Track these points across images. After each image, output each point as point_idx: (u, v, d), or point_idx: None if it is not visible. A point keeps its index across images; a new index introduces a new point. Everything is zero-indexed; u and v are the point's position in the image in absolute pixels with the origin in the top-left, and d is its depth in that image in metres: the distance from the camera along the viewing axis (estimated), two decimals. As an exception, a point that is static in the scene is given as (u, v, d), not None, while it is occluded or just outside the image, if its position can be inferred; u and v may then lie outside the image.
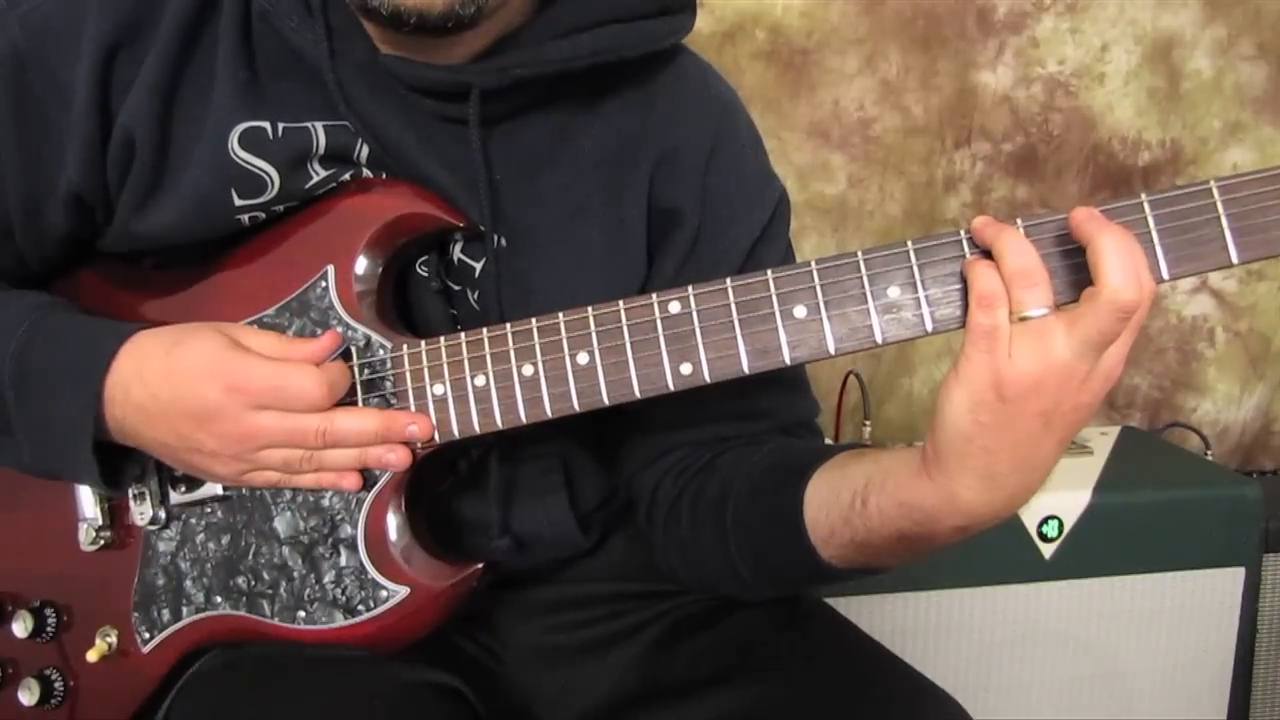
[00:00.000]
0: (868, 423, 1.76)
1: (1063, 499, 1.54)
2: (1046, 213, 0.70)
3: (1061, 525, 1.53)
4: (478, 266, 0.88)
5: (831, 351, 0.74)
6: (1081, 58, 1.88)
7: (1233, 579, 1.59)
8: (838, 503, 0.79)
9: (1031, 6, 1.85)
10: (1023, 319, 0.67)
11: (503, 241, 0.88)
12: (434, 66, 0.84)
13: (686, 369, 0.77)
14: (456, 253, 0.89)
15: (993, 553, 1.53)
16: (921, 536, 0.75)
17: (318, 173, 0.87)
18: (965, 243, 0.71)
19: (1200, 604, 1.58)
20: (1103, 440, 1.75)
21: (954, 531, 0.74)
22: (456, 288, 0.90)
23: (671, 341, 0.77)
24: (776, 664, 0.90)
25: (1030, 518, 1.53)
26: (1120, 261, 0.65)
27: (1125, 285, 0.65)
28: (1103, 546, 1.54)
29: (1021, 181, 1.91)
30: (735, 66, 1.79)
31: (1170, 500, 1.57)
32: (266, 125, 0.85)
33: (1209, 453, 1.92)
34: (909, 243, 0.72)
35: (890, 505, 0.75)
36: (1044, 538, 1.53)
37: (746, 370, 0.76)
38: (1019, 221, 0.70)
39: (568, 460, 0.96)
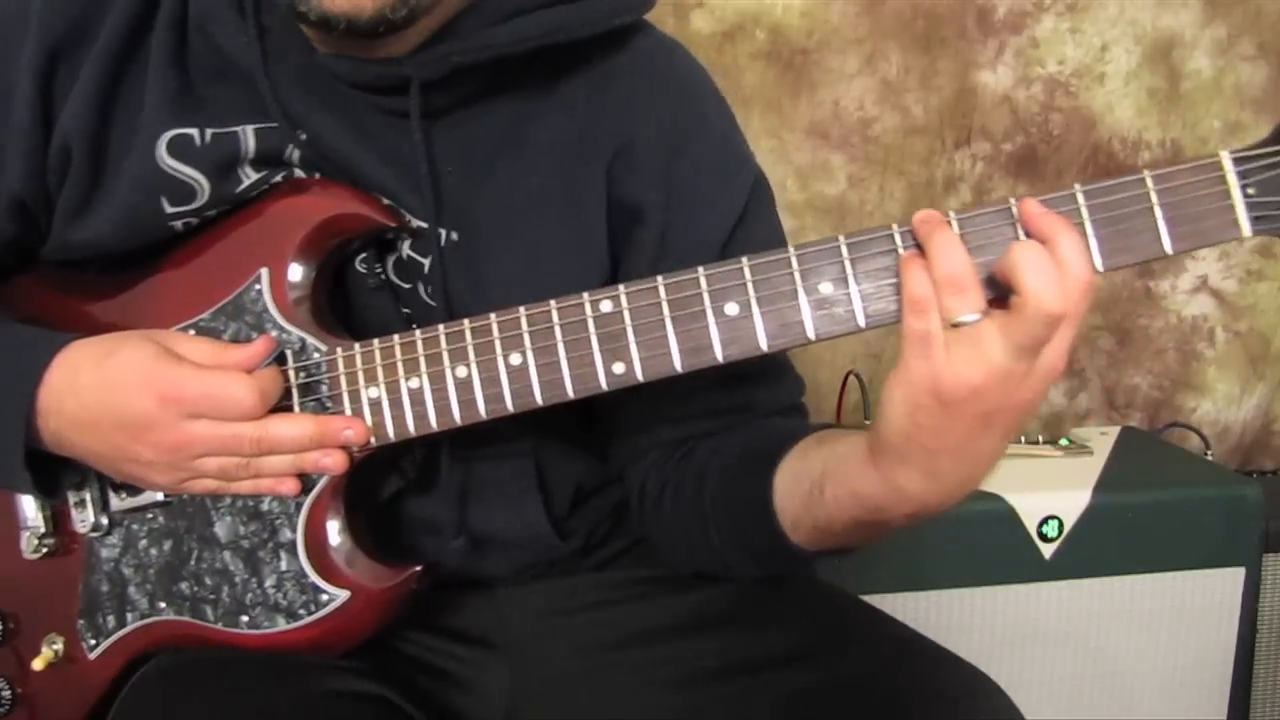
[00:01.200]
0: (868, 422, 1.75)
1: (1063, 499, 1.54)
2: (981, 205, 0.70)
3: (1061, 525, 1.53)
4: (427, 263, 0.87)
5: (764, 348, 0.73)
6: (1081, 58, 1.88)
7: (1233, 579, 1.58)
8: (799, 491, 0.80)
9: (1031, 6, 1.85)
10: (955, 325, 0.66)
11: (454, 236, 0.87)
12: (371, 61, 0.83)
13: (619, 368, 0.76)
14: (405, 250, 0.88)
15: (993, 553, 1.53)
16: (876, 523, 0.76)
17: (249, 175, 0.86)
18: (898, 236, 0.71)
19: (1200, 604, 1.58)
20: (1103, 440, 1.75)
21: (905, 518, 0.74)
22: (406, 286, 0.89)
23: (604, 341, 0.76)
24: (815, 649, 0.89)
25: (1030, 518, 1.53)
26: (1034, 269, 0.64)
27: (1044, 291, 0.64)
28: (1103, 546, 1.54)
29: (1022, 181, 1.91)
30: (735, 66, 1.79)
31: (1170, 500, 1.57)
32: (194, 132, 0.84)
33: (1209, 453, 1.92)
34: (840, 237, 0.72)
35: (844, 495, 0.76)
36: (1044, 538, 1.53)
37: (679, 369, 0.75)
38: (951, 215, 0.69)
39: (541, 459, 0.94)
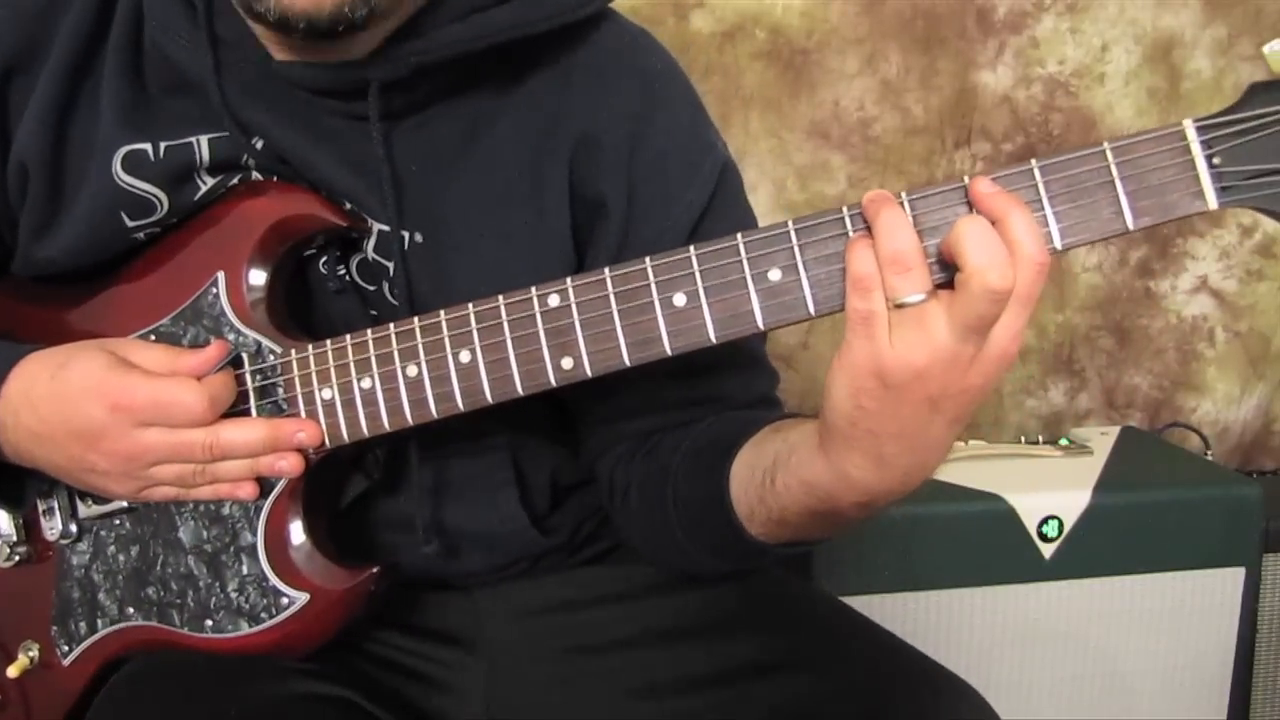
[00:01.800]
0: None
1: (1063, 499, 1.54)
2: (935, 184, 0.67)
3: (1061, 525, 1.53)
4: (391, 265, 0.87)
5: (713, 339, 0.72)
6: (1081, 58, 1.88)
7: (1233, 579, 1.59)
8: (753, 481, 0.79)
9: (1031, 6, 1.85)
10: (900, 305, 0.65)
11: (418, 238, 0.87)
12: (329, 66, 0.83)
13: (568, 363, 0.75)
14: (370, 252, 0.87)
15: (993, 553, 1.53)
16: (828, 513, 0.75)
17: (206, 182, 0.86)
18: (848, 220, 0.68)
19: (1200, 604, 1.58)
20: (1103, 440, 1.75)
21: (856, 508, 0.73)
22: (371, 288, 0.88)
23: (551, 336, 0.75)
24: (796, 658, 0.89)
25: (1030, 518, 1.53)
26: (977, 244, 0.63)
27: (989, 267, 0.62)
28: (1103, 546, 1.54)
29: (1021, 181, 1.90)
30: (735, 66, 1.79)
31: (1170, 500, 1.57)
32: (148, 147, 0.84)
33: (1209, 453, 1.92)
34: (789, 222, 0.70)
35: (794, 483, 0.75)
36: (1044, 538, 1.53)
37: (627, 362, 0.74)
38: (903, 195, 0.67)
39: (518, 455, 0.94)
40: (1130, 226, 0.66)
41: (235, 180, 0.87)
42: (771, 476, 0.77)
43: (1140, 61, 1.90)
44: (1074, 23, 1.87)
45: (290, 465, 0.81)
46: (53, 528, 0.90)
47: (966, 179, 0.66)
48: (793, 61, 1.81)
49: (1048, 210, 0.66)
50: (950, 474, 1.59)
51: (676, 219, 0.89)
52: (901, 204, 0.67)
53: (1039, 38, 1.86)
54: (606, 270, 0.74)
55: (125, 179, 0.84)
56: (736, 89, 1.80)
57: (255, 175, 0.87)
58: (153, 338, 0.86)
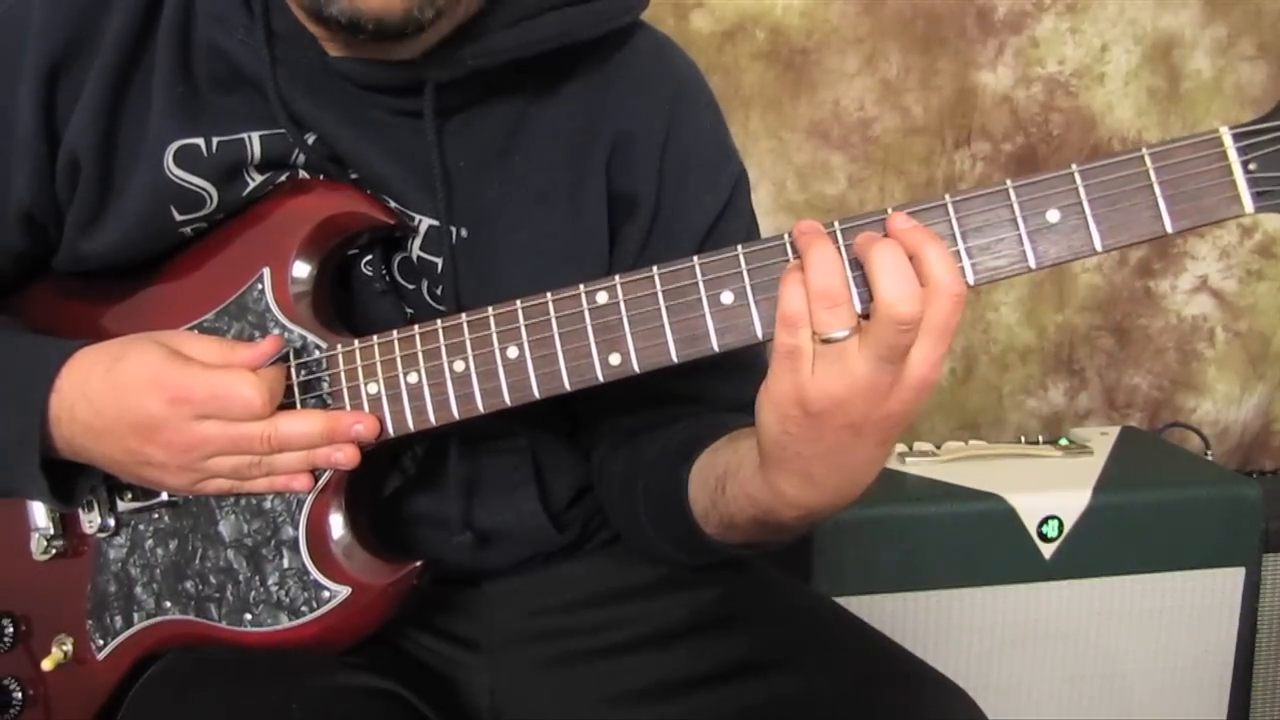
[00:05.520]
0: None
1: (1063, 499, 1.54)
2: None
3: (1061, 525, 1.53)
4: (439, 262, 0.87)
5: (759, 336, 0.73)
6: (1081, 58, 1.88)
7: (1233, 579, 1.59)
8: (707, 487, 0.82)
9: (1031, 6, 1.86)
10: (826, 341, 0.66)
11: (464, 233, 0.88)
12: (387, 64, 0.84)
13: (615, 359, 0.76)
14: (415, 250, 0.88)
15: (993, 553, 1.53)
16: (772, 524, 0.78)
17: (254, 179, 0.87)
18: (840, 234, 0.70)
19: (1200, 604, 1.58)
20: (1103, 440, 1.75)
21: (796, 520, 0.76)
22: (410, 286, 0.89)
23: (600, 332, 0.76)
24: (787, 658, 0.90)
25: (1030, 518, 1.53)
26: (889, 273, 0.65)
27: (898, 298, 0.64)
28: (1103, 546, 1.54)
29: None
30: (735, 66, 1.80)
31: (1170, 500, 1.57)
32: (200, 142, 0.85)
33: (1209, 453, 1.92)
34: (836, 222, 0.71)
35: (740, 494, 0.78)
36: (1044, 538, 1.53)
37: (675, 359, 0.75)
38: (835, 224, 0.69)
39: (538, 454, 0.96)
40: (1169, 229, 0.68)
41: (282, 178, 0.88)
42: (722, 485, 0.80)
43: (1140, 61, 1.90)
44: (1074, 23, 1.87)
45: (347, 457, 0.81)
46: (91, 521, 0.89)
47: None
48: (793, 61, 1.81)
49: (1087, 213, 0.68)
50: (950, 474, 1.60)
51: (695, 218, 0.92)
52: (834, 234, 0.69)
53: (1039, 38, 1.86)
54: (655, 269, 0.75)
55: (176, 173, 0.85)
56: (736, 89, 1.80)
57: (302, 174, 0.88)
58: (196, 333, 0.86)
